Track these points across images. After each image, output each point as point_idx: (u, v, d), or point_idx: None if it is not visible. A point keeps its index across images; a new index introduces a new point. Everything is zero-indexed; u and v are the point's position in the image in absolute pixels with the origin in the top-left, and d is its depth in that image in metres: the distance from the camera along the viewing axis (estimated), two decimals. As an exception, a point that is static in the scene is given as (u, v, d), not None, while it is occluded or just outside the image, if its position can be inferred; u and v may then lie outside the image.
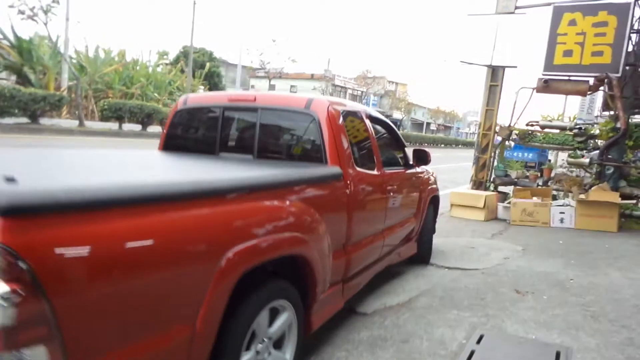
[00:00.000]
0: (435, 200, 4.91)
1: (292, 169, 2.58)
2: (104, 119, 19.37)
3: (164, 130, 3.48)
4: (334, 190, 2.66)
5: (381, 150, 3.53)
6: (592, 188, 7.11)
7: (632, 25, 7.34)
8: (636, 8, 7.35)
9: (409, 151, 4.35)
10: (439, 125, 70.04)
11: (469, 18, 8.65)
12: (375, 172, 3.28)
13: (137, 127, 19.01)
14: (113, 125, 18.26)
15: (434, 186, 4.83)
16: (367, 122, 3.39)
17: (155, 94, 30.34)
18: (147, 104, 19.40)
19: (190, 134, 3.56)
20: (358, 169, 2.96)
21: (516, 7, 8.26)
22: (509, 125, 8.52)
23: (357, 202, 2.89)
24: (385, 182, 3.44)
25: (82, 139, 14.55)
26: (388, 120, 4.09)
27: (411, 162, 4.27)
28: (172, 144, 3.41)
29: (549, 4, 7.96)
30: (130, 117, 18.39)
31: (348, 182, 2.77)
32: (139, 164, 2.51)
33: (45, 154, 2.57)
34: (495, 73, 8.66)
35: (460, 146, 54.13)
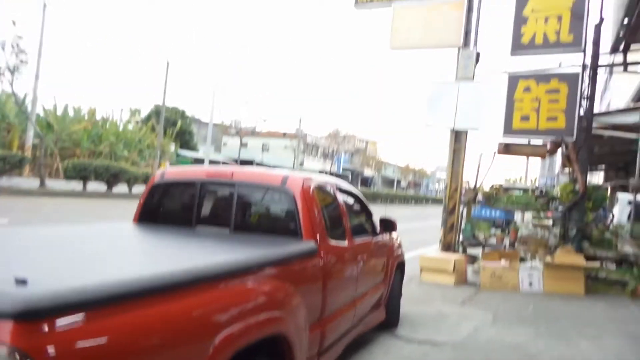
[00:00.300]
0: (401, 266, 4.98)
1: (270, 247, 2.63)
2: (68, 178, 18.83)
3: (141, 202, 3.48)
4: (310, 265, 2.74)
5: (350, 220, 3.62)
6: (558, 250, 7.14)
7: (581, 93, 7.74)
8: (584, 77, 7.79)
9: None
10: (409, 182, 71.52)
11: (433, 84, 8.95)
12: (346, 243, 3.38)
13: (103, 187, 18.49)
14: (77, 186, 17.71)
15: (400, 252, 4.93)
16: (338, 194, 3.56)
17: (125, 152, 30.00)
18: (113, 164, 19.03)
19: (167, 207, 3.59)
20: (331, 241, 3.05)
21: (475, 75, 8.65)
22: (474, 188, 8.64)
23: (331, 274, 2.94)
24: (356, 252, 3.54)
25: (41, 200, 13.96)
26: (356, 191, 4.25)
27: (378, 230, 4.34)
28: (148, 216, 3.40)
29: (504, 73, 8.38)
30: (96, 177, 17.93)
31: (322, 256, 2.84)
32: (120, 246, 2.52)
33: (20, 236, 2.52)
34: (458, 136, 8.89)
35: (430, 203, 55.03)
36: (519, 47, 8.17)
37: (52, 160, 25.17)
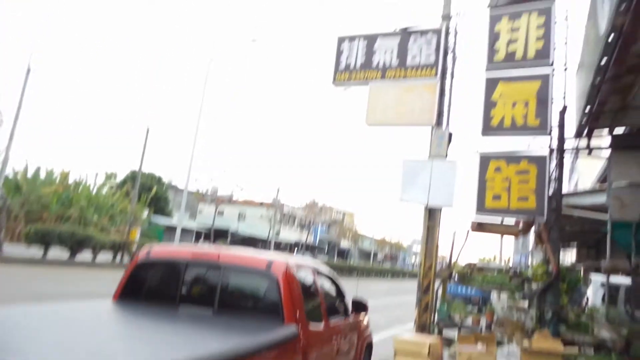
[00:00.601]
0: (369, 347, 5.25)
1: (252, 334, 2.67)
2: (29, 243, 17.92)
3: (124, 278, 3.48)
4: (290, 348, 2.88)
5: (326, 302, 3.84)
6: (534, 334, 6.89)
7: (550, 174, 7.93)
8: (552, 159, 8.03)
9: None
10: (385, 255, 71.03)
11: (407, 162, 9.08)
12: (322, 325, 3.57)
13: (66, 254, 17.57)
14: (39, 252, 16.79)
15: (369, 332, 5.21)
16: (316, 277, 3.80)
17: (95, 218, 29.10)
18: (79, 230, 18.26)
19: (150, 285, 3.59)
20: (310, 324, 3.24)
21: (448, 154, 8.84)
22: (449, 266, 8.49)
23: (308, 356, 3.08)
24: (331, 334, 3.76)
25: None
26: (331, 273, 4.43)
27: (350, 310, 4.53)
28: (130, 293, 3.40)
29: (475, 153, 8.59)
30: (60, 243, 17.08)
31: (301, 339, 3.01)
32: (98, 332, 2.44)
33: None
34: (432, 213, 8.89)
35: (407, 277, 54.34)
36: (489, 128, 8.47)
37: (16, 224, 24.12)
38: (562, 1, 8.49)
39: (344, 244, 60.10)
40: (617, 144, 7.57)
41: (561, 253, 8.77)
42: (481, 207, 8.31)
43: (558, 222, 7.74)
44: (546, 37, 8.38)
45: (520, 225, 7.90)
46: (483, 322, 8.30)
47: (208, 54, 22.27)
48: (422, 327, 8.51)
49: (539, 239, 7.82)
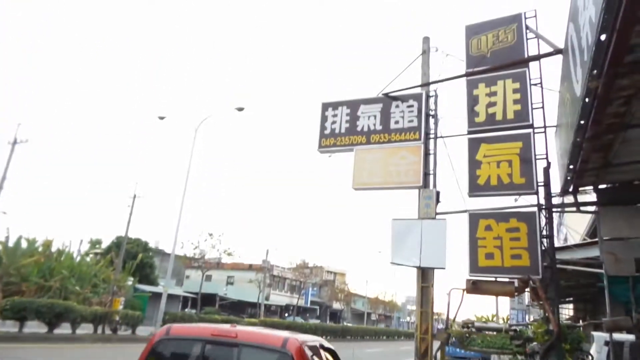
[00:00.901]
0: None
1: None
2: (4, 318, 17.02)
3: (143, 355, 3.69)
4: None
5: None
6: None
7: (540, 231, 7.95)
8: (541, 216, 8.08)
9: None
10: (379, 315, 69.00)
11: (396, 222, 9.05)
12: None
13: (44, 328, 16.68)
14: (15, 327, 15.92)
15: None
16: (321, 351, 4.08)
17: (77, 288, 27.99)
18: (58, 303, 17.44)
19: None
20: None
21: (437, 214, 8.87)
22: (446, 329, 8.23)
23: None
24: None
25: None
26: (331, 347, 4.64)
27: None
28: None
29: (464, 211, 8.63)
30: (38, 316, 16.25)
31: None
32: None
33: None
34: (425, 274, 8.75)
35: (402, 338, 52.53)
36: (476, 188, 8.58)
37: (-7, 298, 23.02)
38: (534, 66, 8.98)
39: (336, 305, 58.44)
40: (604, 199, 7.68)
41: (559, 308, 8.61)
42: (474, 267, 8.22)
43: (554, 279, 7.65)
44: (523, 100, 8.76)
45: (516, 283, 7.78)
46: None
47: (196, 120, 22.77)
48: (423, 396, 8.09)
49: (535, 296, 7.67)
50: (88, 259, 33.62)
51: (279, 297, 52.38)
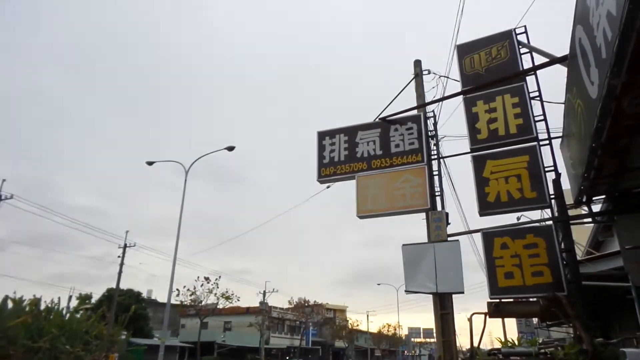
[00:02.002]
0: None
1: None
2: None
3: None
4: None
5: None
6: None
7: (559, 245, 7.63)
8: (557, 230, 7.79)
9: None
10: (383, 350, 66.98)
11: (407, 248, 8.66)
12: None
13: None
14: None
15: None
16: None
17: (67, 347, 26.61)
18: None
19: None
20: None
21: (448, 235, 8.52)
22: (472, 357, 7.71)
23: None
24: None
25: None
26: None
27: None
28: None
29: (477, 231, 8.31)
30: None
31: None
32: None
33: None
34: (443, 300, 8.31)
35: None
36: (486, 206, 8.29)
37: (-21, 365, 21.66)
38: (531, 80, 8.93)
39: (339, 343, 56.61)
40: (620, 207, 7.43)
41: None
42: (494, 288, 7.82)
43: (580, 294, 7.28)
44: (524, 113, 8.63)
45: (541, 302, 7.37)
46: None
47: (186, 162, 22.45)
48: None
49: (565, 317, 7.26)
50: (78, 315, 32.23)
51: (279, 340, 50.61)
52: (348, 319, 57.24)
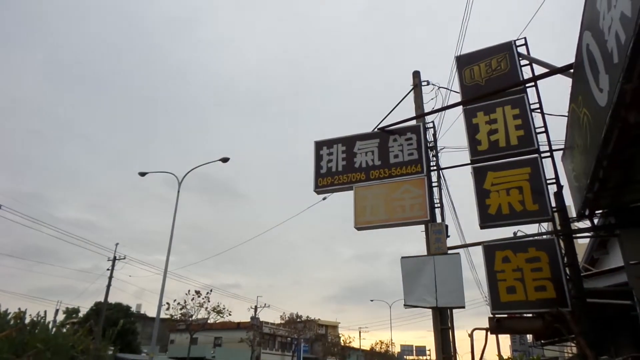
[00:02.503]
0: None
1: None
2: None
3: None
4: None
5: None
6: None
7: (563, 260, 7.44)
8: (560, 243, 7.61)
9: None
10: (375, 368, 65.90)
11: (406, 260, 8.43)
12: None
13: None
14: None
15: None
16: None
17: (52, 362, 25.83)
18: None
19: None
20: None
21: (449, 248, 8.32)
22: (474, 375, 7.45)
23: None
24: None
25: None
26: None
27: None
28: None
29: (478, 244, 8.11)
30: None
31: None
32: None
33: None
34: (443, 315, 8.07)
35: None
36: (487, 218, 8.10)
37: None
38: (532, 92, 8.85)
39: (330, 360, 55.66)
40: (625, 221, 7.28)
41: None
42: (496, 303, 7.59)
43: (585, 310, 7.07)
44: (525, 125, 8.53)
45: (545, 318, 7.14)
46: None
47: (179, 173, 22.02)
48: None
49: (567, 335, 7.04)
50: (64, 329, 31.43)
51: (270, 357, 49.67)
52: (340, 335, 56.40)
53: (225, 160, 21.91)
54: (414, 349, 69.39)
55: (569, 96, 6.70)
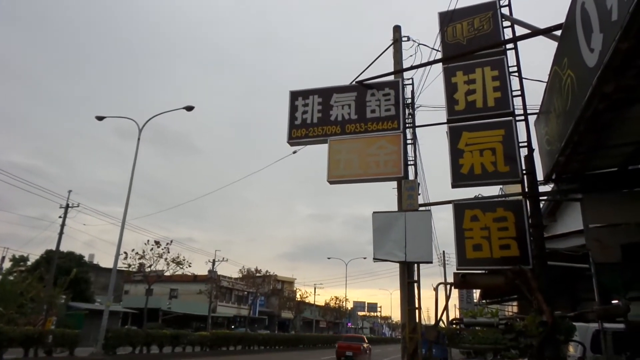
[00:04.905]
0: None
1: None
2: None
3: None
4: None
5: None
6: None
7: (528, 220, 7.70)
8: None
9: None
10: (328, 322, 68.51)
11: (377, 216, 8.47)
12: None
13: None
14: None
15: None
16: None
17: (0, 309, 24.97)
18: (-19, 325, 15.21)
19: None
20: None
21: (420, 205, 8.42)
22: (436, 326, 7.75)
23: None
24: None
25: None
26: None
27: None
28: None
29: (449, 202, 8.25)
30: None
31: None
32: None
33: None
34: (410, 269, 8.26)
35: (353, 344, 52.23)
36: (459, 178, 8.22)
37: None
38: (511, 55, 8.85)
39: (285, 314, 57.20)
40: (589, 186, 7.57)
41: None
42: (462, 260, 7.84)
43: (545, 268, 7.42)
44: (503, 87, 8.56)
45: (507, 274, 7.45)
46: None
47: (140, 120, 20.81)
48: (415, 401, 7.54)
49: (526, 290, 7.38)
50: (11, 277, 30.23)
51: (225, 309, 50.37)
52: (297, 289, 57.81)
53: (189, 108, 21.06)
54: (366, 305, 72.37)
55: (553, 58, 6.70)
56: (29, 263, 37.73)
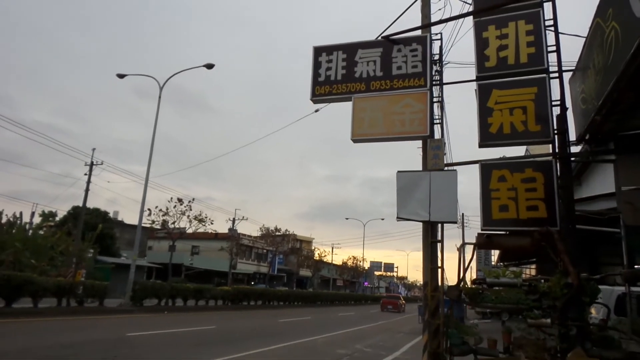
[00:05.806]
0: None
1: None
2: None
3: None
4: None
5: None
6: (569, 355, 6.25)
7: (558, 182, 7.52)
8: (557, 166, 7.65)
9: None
10: (344, 281, 70.04)
11: (402, 175, 8.38)
12: None
13: (1, 303, 15.29)
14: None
15: None
16: None
17: (32, 261, 26.15)
18: (16, 275, 15.99)
19: None
20: None
21: (446, 165, 8.28)
22: (458, 285, 7.77)
23: None
24: None
25: None
26: None
27: None
28: None
29: (476, 162, 8.08)
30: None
31: None
32: None
33: None
34: (434, 229, 8.24)
35: (369, 302, 53.54)
36: (487, 137, 7.99)
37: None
38: (547, 8, 8.37)
39: (303, 272, 58.60)
40: (623, 147, 7.30)
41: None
42: (488, 220, 7.75)
43: (573, 231, 7.29)
44: (537, 42, 8.14)
45: (534, 235, 7.36)
46: (500, 347, 7.60)
47: (161, 78, 20.87)
48: (434, 355, 7.69)
49: (552, 252, 7.30)
50: (41, 232, 31.48)
51: (245, 266, 51.83)
52: (315, 248, 58.91)
53: (210, 66, 20.84)
54: (383, 265, 73.40)
55: (595, 10, 6.32)
56: (57, 218, 39.09)
